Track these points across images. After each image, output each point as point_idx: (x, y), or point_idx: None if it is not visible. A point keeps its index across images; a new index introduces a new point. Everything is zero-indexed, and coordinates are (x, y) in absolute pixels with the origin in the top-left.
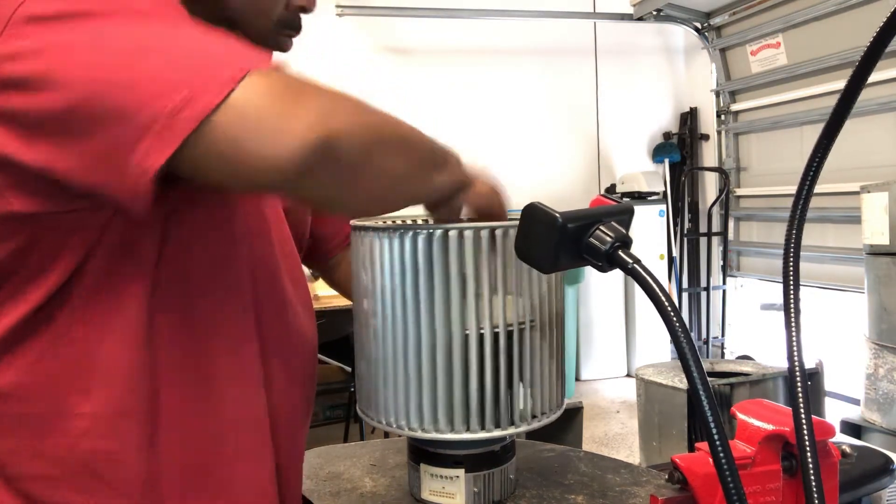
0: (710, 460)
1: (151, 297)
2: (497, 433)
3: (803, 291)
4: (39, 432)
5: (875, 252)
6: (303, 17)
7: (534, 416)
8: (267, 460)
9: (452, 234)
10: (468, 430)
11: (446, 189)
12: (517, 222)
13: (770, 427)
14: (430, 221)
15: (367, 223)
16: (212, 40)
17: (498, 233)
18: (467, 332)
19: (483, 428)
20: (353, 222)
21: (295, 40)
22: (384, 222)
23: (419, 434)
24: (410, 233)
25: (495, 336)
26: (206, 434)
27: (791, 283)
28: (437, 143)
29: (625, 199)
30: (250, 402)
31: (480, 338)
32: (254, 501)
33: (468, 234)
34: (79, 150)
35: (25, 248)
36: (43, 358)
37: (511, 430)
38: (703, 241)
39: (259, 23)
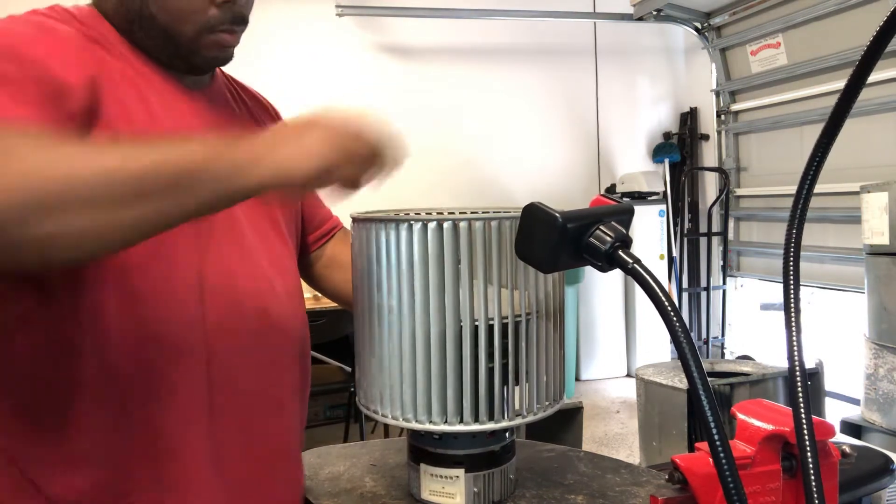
0: (710, 460)
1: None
2: (512, 422)
3: (802, 291)
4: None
5: (875, 252)
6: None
7: (547, 404)
8: (203, 427)
9: (478, 224)
10: (492, 419)
11: (228, 194)
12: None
13: (770, 427)
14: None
15: (377, 215)
16: None
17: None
18: (491, 321)
19: (505, 417)
20: (357, 214)
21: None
22: (395, 214)
23: (443, 428)
24: (434, 223)
25: (515, 324)
26: (147, 398)
27: (791, 282)
28: (168, 163)
29: (625, 199)
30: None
31: (504, 328)
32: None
33: (494, 224)
34: None
35: None
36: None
37: (518, 421)
38: (703, 241)
39: (188, 28)
